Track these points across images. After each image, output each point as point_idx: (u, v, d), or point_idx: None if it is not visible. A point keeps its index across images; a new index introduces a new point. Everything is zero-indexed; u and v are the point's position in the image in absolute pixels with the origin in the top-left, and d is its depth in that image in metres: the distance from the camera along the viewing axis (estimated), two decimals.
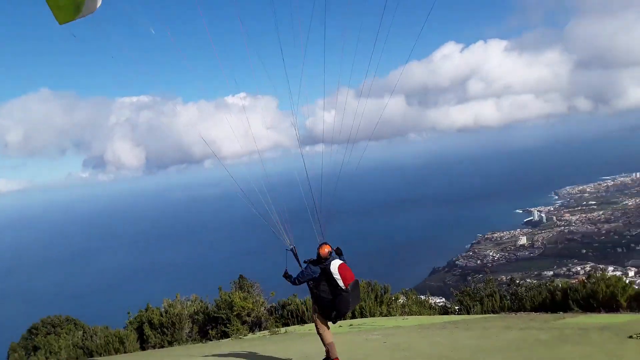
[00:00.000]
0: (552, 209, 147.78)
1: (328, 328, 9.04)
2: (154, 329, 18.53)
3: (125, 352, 17.06)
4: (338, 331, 15.54)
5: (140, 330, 18.70)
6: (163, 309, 19.32)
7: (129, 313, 20.08)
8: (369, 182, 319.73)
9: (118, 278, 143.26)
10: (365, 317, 19.32)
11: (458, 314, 19.93)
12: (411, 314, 19.85)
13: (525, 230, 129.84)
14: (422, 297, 22.84)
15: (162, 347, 17.82)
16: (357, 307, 19.58)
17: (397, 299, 21.17)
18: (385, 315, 19.63)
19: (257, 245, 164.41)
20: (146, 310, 19.56)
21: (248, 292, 19.71)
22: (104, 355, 16.85)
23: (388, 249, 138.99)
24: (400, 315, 19.93)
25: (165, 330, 18.50)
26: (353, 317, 19.41)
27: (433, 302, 24.66)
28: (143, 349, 17.96)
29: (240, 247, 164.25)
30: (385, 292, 20.69)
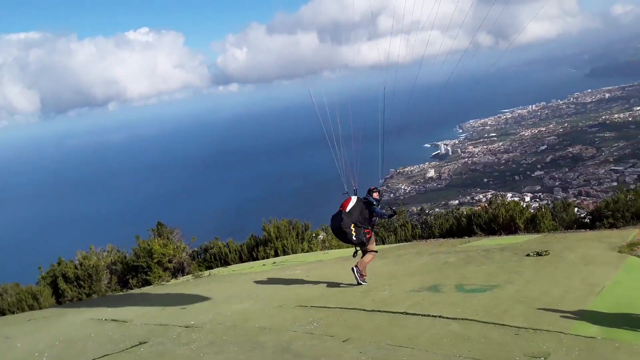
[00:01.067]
0: (457, 142, 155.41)
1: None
2: (69, 283, 17.85)
3: (40, 308, 16.37)
4: (262, 269, 15.89)
5: (54, 285, 17.93)
6: (77, 262, 18.55)
7: (40, 268, 19.09)
8: (288, 121, 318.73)
9: (23, 234, 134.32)
10: (287, 254, 19.82)
11: None
12: (331, 249, 20.62)
13: (433, 163, 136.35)
14: None
15: (80, 299, 17.29)
16: (280, 245, 20.02)
17: (317, 235, 21.84)
18: (307, 252, 20.26)
19: (172, 189, 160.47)
20: (58, 264, 18.69)
21: (168, 238, 19.39)
22: (17, 313, 16.09)
23: (309, 187, 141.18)
24: (321, 250, 20.67)
25: (82, 282, 17.88)
26: (276, 254, 19.86)
27: None
28: (59, 303, 17.32)
29: (154, 193, 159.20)
30: (306, 229, 21.23)
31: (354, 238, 10.15)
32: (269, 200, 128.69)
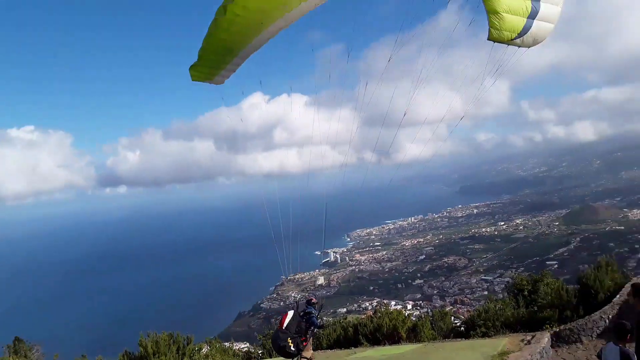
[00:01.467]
0: (345, 250, 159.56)
1: None
2: None
3: None
4: None
5: None
6: None
7: None
8: (177, 226, 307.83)
9: None
10: None
11: (261, 358, 20.02)
12: None
13: (323, 270, 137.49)
14: (226, 344, 22.37)
15: None
16: None
17: (200, 349, 20.38)
18: None
19: (39, 298, 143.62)
20: None
21: (25, 357, 16.95)
22: None
23: (195, 296, 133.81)
24: None
25: None
26: None
27: (237, 348, 24.34)
28: None
29: (18, 302, 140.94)
30: (188, 343, 19.75)
31: (293, 349, 10.52)
32: (152, 308, 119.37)
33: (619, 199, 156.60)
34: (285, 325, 10.89)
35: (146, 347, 18.36)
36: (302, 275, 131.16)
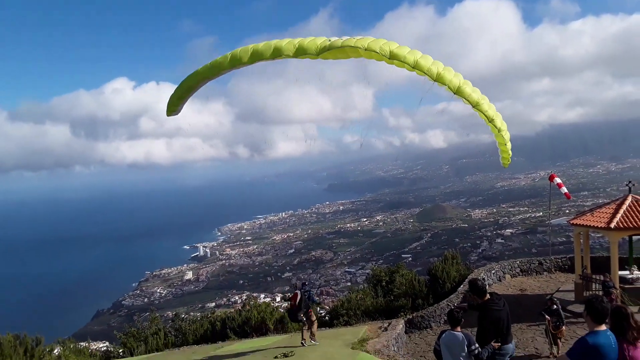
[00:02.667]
0: (215, 244, 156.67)
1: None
2: None
3: None
4: None
5: None
6: None
7: None
8: (23, 217, 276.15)
9: None
10: None
11: (121, 357, 18.75)
12: None
13: (191, 265, 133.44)
14: (82, 344, 20.54)
15: None
16: None
17: (51, 350, 18.48)
18: None
19: None
20: None
21: None
22: None
23: (45, 295, 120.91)
24: None
25: None
26: None
27: (95, 348, 22.55)
28: None
29: None
30: (37, 344, 17.76)
31: (304, 319, 13.72)
32: None
33: (463, 199, 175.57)
34: (297, 301, 13.68)
35: None
36: (169, 270, 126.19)
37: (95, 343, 27.98)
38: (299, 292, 13.75)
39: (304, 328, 14.01)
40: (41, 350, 17.77)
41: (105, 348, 23.46)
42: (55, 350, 18.66)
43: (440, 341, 6.66)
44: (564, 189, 23.92)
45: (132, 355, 18.45)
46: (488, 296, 7.08)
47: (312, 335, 14.08)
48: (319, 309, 22.65)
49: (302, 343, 13.63)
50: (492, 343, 6.67)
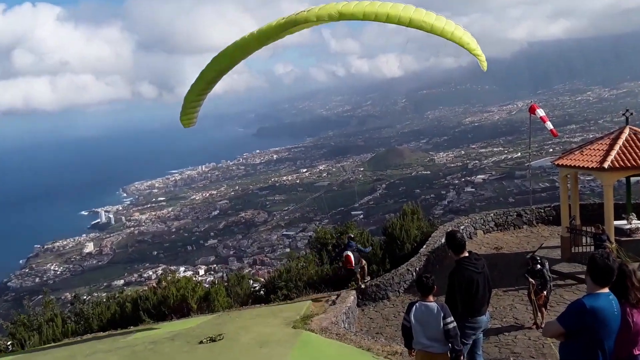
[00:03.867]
0: (120, 208, 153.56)
1: None
2: None
3: None
4: None
5: None
6: None
7: None
8: None
9: None
10: None
11: (10, 352, 18.28)
12: None
13: (92, 235, 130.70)
14: None
15: None
16: None
17: None
18: None
19: None
20: None
21: None
22: None
23: None
24: None
25: None
26: None
27: None
28: None
29: None
30: None
31: (359, 269, 17.13)
32: None
33: (424, 140, 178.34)
34: (353, 263, 16.11)
35: None
36: (65, 243, 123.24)
37: None
38: (349, 253, 16.06)
39: (358, 274, 17.24)
40: None
41: None
42: None
43: (411, 316, 6.70)
44: (549, 124, 23.94)
45: (23, 348, 18.06)
46: (466, 254, 7.19)
47: (365, 277, 17.94)
48: (251, 281, 22.86)
49: (363, 285, 17.65)
50: None
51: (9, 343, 19.21)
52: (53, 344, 17.71)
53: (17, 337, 19.02)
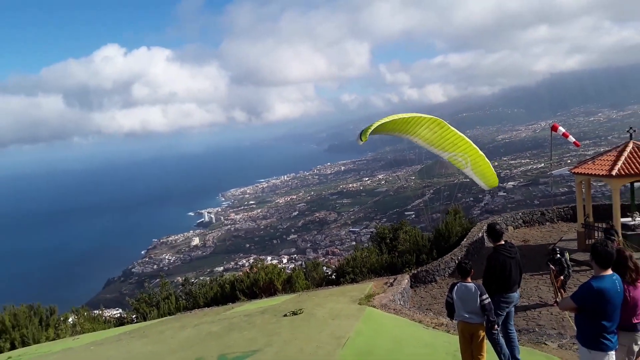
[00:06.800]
0: (220, 210, 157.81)
1: None
2: None
3: None
4: None
5: None
6: None
7: None
8: (25, 190, 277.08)
9: None
10: (28, 345, 16.61)
11: (135, 322, 19.23)
12: (83, 332, 18.10)
13: (197, 231, 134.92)
14: (95, 312, 21.07)
15: None
16: (18, 336, 16.68)
17: (66, 319, 18.95)
18: (54, 339, 17.33)
19: None
20: None
21: None
22: None
23: (55, 267, 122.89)
24: (71, 335, 17.95)
25: None
26: (12, 347, 16.44)
27: (109, 315, 23.09)
28: None
29: None
30: (51, 314, 18.22)
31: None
32: (1, 284, 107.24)
33: None
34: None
35: (3, 321, 16.64)
36: (176, 237, 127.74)
37: (108, 310, 28.57)
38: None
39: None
40: (55, 319, 18.26)
41: (118, 315, 24.03)
42: (70, 319, 19.13)
43: (454, 294, 6.82)
44: (572, 138, 23.48)
45: (145, 319, 18.90)
46: (502, 242, 7.24)
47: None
48: (324, 268, 23.04)
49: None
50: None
51: (133, 316, 20.24)
52: (168, 317, 18.58)
53: (140, 311, 19.99)
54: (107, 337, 14.44)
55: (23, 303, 17.87)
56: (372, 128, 13.28)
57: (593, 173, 17.71)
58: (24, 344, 16.65)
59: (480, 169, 12.55)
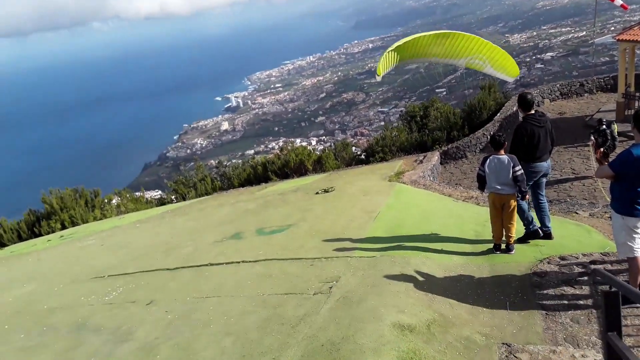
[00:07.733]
0: (246, 94, 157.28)
1: None
2: None
3: None
4: (48, 245, 14.11)
5: None
6: None
7: None
8: (53, 81, 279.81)
9: None
10: (77, 225, 17.89)
11: (175, 202, 20.27)
12: (128, 212, 19.27)
13: (226, 116, 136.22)
14: (137, 194, 22.23)
15: None
16: (67, 217, 17.92)
17: (110, 200, 20.11)
18: (100, 219, 18.58)
19: None
20: None
21: None
22: None
23: (92, 153, 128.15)
24: (116, 215, 19.18)
25: None
26: (63, 227, 17.77)
27: (149, 196, 24.35)
28: None
29: None
30: (96, 196, 19.33)
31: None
32: (45, 169, 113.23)
33: (501, 24, 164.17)
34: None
35: (51, 203, 17.77)
36: (206, 122, 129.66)
37: (148, 192, 30.15)
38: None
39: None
40: (100, 200, 19.40)
41: (158, 196, 25.34)
42: (113, 200, 20.30)
43: (486, 166, 6.82)
44: (619, 1, 21.66)
45: (184, 199, 19.88)
46: (532, 112, 7.04)
47: None
48: (354, 148, 23.20)
49: None
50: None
51: (173, 197, 21.27)
52: (206, 196, 19.45)
53: (179, 192, 20.97)
54: (151, 216, 15.32)
55: (67, 187, 18.91)
56: (381, 70, 13.00)
57: (638, 39, 16.47)
58: (74, 224, 17.92)
59: (499, 64, 12.10)
